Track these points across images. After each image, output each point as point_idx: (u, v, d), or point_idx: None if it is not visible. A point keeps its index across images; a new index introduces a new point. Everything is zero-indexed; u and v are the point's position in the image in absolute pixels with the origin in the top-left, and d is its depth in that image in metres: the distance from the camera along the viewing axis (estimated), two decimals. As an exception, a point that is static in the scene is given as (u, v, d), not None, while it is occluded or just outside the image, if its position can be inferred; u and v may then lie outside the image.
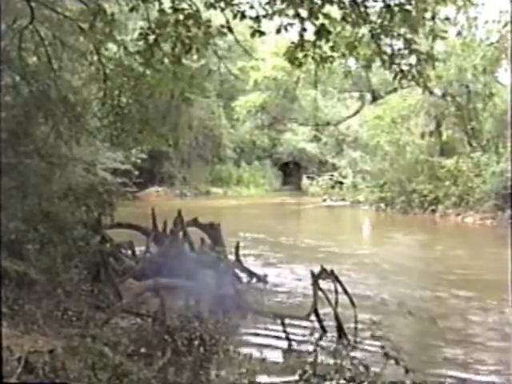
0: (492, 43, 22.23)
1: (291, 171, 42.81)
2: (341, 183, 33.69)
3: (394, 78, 6.09)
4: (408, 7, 5.62)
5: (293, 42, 6.04)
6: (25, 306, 6.42)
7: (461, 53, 23.08)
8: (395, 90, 25.04)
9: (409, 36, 5.84)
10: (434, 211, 24.53)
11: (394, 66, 5.96)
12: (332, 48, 6.08)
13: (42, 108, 9.05)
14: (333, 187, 34.21)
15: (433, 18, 6.62)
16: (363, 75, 29.23)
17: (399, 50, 5.91)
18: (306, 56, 6.11)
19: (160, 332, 6.89)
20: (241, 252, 11.71)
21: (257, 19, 5.78)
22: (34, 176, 8.69)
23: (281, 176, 42.82)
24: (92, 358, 5.19)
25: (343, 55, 6.31)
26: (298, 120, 39.31)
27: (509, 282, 8.07)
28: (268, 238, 17.78)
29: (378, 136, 28.16)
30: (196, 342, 6.80)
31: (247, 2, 5.93)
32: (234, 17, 5.91)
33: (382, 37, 5.78)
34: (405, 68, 5.92)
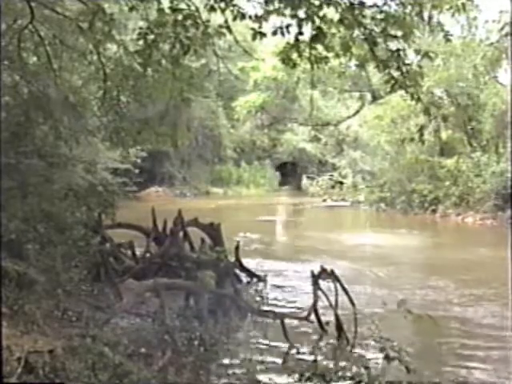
0: (492, 43, 22.20)
1: (291, 171, 42.76)
2: (341, 183, 33.62)
3: (386, 83, 6.07)
4: (403, 11, 5.62)
5: (288, 43, 6.02)
6: (25, 306, 6.41)
7: (461, 53, 23.06)
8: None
9: (400, 45, 5.82)
10: (434, 211, 24.50)
11: (386, 71, 5.92)
12: (326, 48, 6.06)
13: (41, 108, 9.04)
14: (333, 187, 34.12)
15: (428, 21, 6.60)
16: (363, 75, 29.17)
17: (391, 55, 5.86)
18: (300, 56, 6.09)
19: (160, 332, 6.89)
20: (241, 252, 11.70)
21: (257, 20, 5.76)
22: (34, 176, 8.69)
23: (281, 176, 42.77)
24: (92, 358, 5.18)
25: (337, 55, 6.28)
26: (297, 120, 39.27)
27: (509, 281, 8.06)
28: (268, 238, 17.78)
29: (378, 136, 28.14)
30: (196, 342, 6.80)
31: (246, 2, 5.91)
32: (234, 18, 5.89)
33: (376, 40, 5.74)
34: (396, 74, 5.88)
